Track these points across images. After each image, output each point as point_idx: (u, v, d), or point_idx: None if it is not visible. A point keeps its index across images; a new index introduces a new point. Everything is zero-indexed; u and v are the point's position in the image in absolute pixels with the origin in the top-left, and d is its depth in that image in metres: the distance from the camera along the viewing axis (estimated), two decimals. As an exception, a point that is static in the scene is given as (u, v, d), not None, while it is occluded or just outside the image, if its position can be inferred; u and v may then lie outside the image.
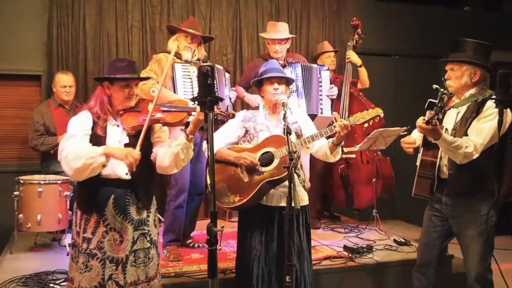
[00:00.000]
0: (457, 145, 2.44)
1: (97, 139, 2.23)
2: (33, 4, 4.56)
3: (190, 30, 3.52)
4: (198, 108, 2.12)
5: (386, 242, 3.94)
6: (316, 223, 4.40)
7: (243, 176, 2.66)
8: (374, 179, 4.30)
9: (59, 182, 3.63)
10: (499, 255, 2.67)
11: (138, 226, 2.30)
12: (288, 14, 5.31)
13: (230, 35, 5.12)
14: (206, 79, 1.90)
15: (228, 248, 3.65)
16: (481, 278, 2.59)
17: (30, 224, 3.54)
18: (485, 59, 2.61)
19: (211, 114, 1.89)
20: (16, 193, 3.59)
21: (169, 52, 3.47)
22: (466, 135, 2.52)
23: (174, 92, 3.35)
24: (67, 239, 3.54)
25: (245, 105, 4.23)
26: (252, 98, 3.97)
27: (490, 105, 2.48)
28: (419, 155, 2.79)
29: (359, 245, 3.73)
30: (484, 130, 2.47)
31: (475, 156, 2.47)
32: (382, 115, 2.65)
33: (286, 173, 2.32)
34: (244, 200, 2.62)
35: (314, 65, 4.11)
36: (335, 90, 4.14)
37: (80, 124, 2.25)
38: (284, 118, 2.47)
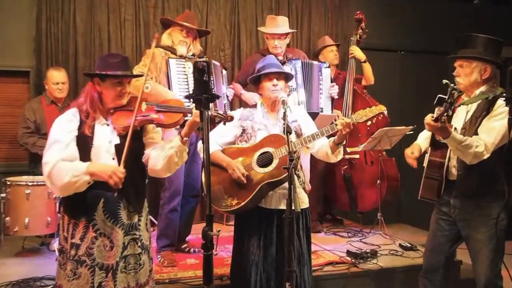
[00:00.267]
0: (467, 144, 2.42)
1: (84, 139, 2.19)
2: (20, -3, 4.54)
3: (186, 24, 3.50)
4: (194, 109, 2.10)
5: (391, 247, 3.93)
6: (318, 227, 4.39)
7: (241, 178, 2.64)
8: (378, 181, 4.29)
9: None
10: (509, 260, 2.65)
11: (129, 231, 2.27)
12: (289, 7, 5.30)
13: (228, 29, 5.11)
14: (201, 75, 1.88)
15: (225, 253, 3.63)
16: (491, 285, 2.59)
17: (17, 227, 3.53)
18: (495, 55, 2.60)
19: (207, 112, 1.87)
20: (3, 195, 3.58)
21: (163, 47, 3.45)
22: (476, 134, 2.51)
23: (169, 88, 3.33)
24: (56, 244, 3.52)
25: (243, 103, 4.21)
26: (250, 96, 3.95)
27: (501, 103, 2.47)
28: (427, 155, 2.79)
29: (362, 250, 3.72)
30: (495, 129, 2.46)
31: (486, 156, 2.46)
32: (386, 112, 2.64)
33: (286, 174, 2.30)
34: (242, 203, 2.60)
35: (315, 62, 4.09)
36: (336, 89, 4.13)
37: (65, 127, 2.20)
38: (284, 116, 2.45)
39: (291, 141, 2.40)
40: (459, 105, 2.52)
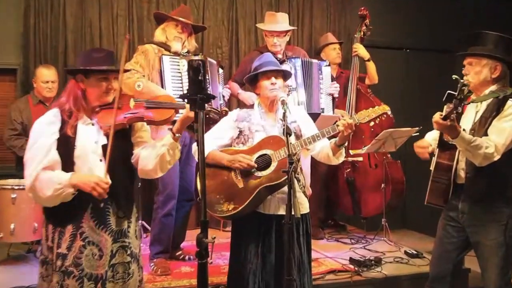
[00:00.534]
0: (476, 145, 2.41)
1: (65, 141, 2.14)
2: (8, -8, 4.53)
3: (181, 18, 3.48)
4: (187, 105, 2.06)
5: (396, 254, 3.92)
6: (319, 233, 4.37)
7: (238, 182, 2.62)
8: (383, 185, 4.27)
9: (35, 187, 3.59)
10: (520, 268, 2.64)
11: (118, 238, 2.22)
12: (289, 3, 5.31)
13: (225, 26, 5.11)
14: (196, 74, 1.86)
15: (222, 260, 3.60)
16: (501, 293, 2.57)
17: (2, 233, 3.51)
18: (506, 53, 2.59)
19: (202, 113, 1.85)
20: (-13, 199, 3.55)
21: (156, 43, 3.43)
22: (486, 135, 2.50)
23: (162, 87, 3.31)
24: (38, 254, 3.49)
25: (241, 103, 4.20)
26: (247, 96, 3.94)
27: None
28: (434, 157, 2.77)
29: (366, 258, 3.71)
30: (505, 130, 2.45)
31: (496, 157, 2.45)
32: (389, 112, 2.63)
33: (285, 178, 2.28)
34: (239, 208, 2.57)
35: (314, 61, 4.07)
36: (337, 87, 4.11)
37: (45, 130, 2.16)
38: (284, 117, 2.43)
39: (290, 143, 2.38)
40: (469, 103, 2.50)
